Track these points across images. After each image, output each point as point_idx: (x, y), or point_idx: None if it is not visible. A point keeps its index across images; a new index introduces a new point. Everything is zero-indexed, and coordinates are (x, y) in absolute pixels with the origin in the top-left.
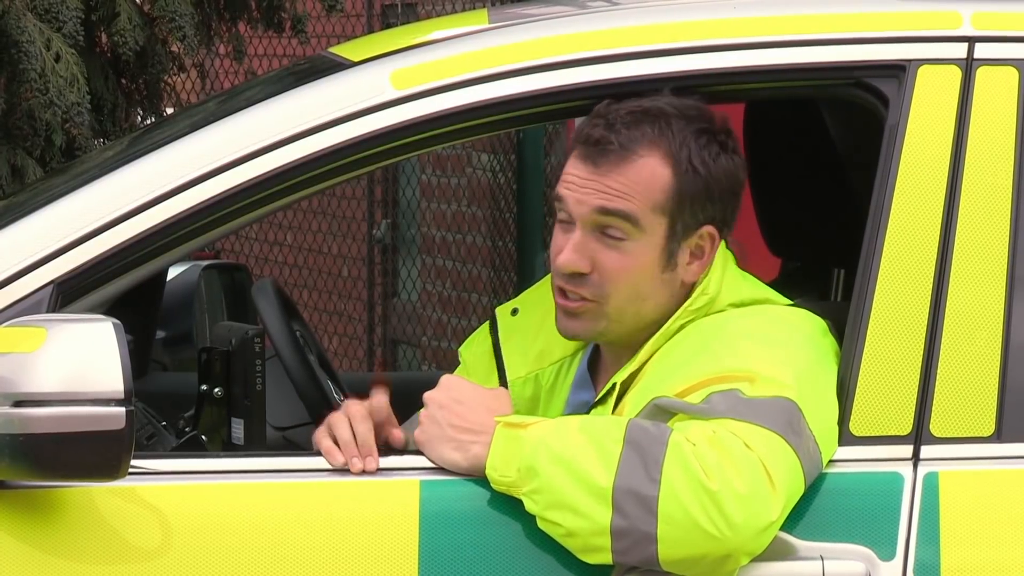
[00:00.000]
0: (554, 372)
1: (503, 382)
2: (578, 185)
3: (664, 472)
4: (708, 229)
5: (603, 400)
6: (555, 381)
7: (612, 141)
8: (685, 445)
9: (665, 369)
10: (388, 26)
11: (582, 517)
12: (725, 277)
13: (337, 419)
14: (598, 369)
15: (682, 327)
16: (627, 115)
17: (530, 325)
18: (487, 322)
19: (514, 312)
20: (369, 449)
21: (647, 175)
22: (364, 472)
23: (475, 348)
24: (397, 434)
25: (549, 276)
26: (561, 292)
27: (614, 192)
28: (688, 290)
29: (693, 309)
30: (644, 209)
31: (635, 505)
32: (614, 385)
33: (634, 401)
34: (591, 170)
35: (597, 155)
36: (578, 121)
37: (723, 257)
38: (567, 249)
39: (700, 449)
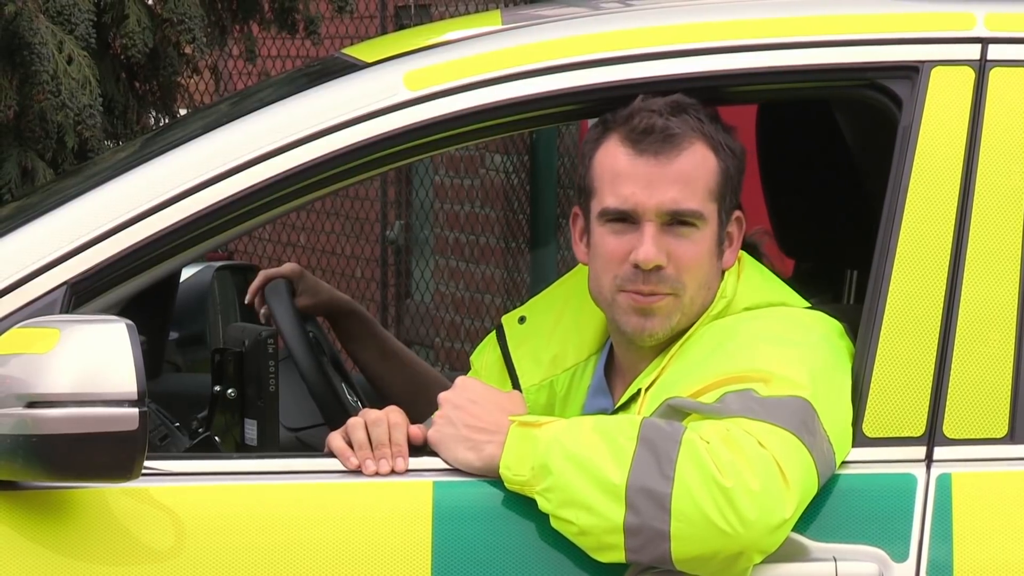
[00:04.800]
0: (568, 378)
1: (517, 390)
2: (645, 183)
3: (677, 470)
4: (738, 214)
5: (626, 406)
6: (570, 387)
7: (672, 127)
8: (699, 443)
9: (680, 370)
10: (401, 27)
11: (595, 515)
12: (741, 278)
13: (353, 423)
14: (612, 375)
15: (701, 330)
16: (666, 106)
17: (541, 331)
18: (493, 331)
19: (521, 320)
20: (384, 452)
21: (700, 159)
22: (393, 473)
23: (485, 357)
24: (415, 430)
25: (558, 283)
26: (632, 293)
27: (683, 181)
28: (721, 279)
29: (714, 314)
30: (705, 197)
31: (648, 503)
32: (638, 391)
33: (650, 402)
34: (653, 161)
35: (659, 144)
36: (591, 122)
37: (739, 259)
38: (647, 245)
39: (714, 447)
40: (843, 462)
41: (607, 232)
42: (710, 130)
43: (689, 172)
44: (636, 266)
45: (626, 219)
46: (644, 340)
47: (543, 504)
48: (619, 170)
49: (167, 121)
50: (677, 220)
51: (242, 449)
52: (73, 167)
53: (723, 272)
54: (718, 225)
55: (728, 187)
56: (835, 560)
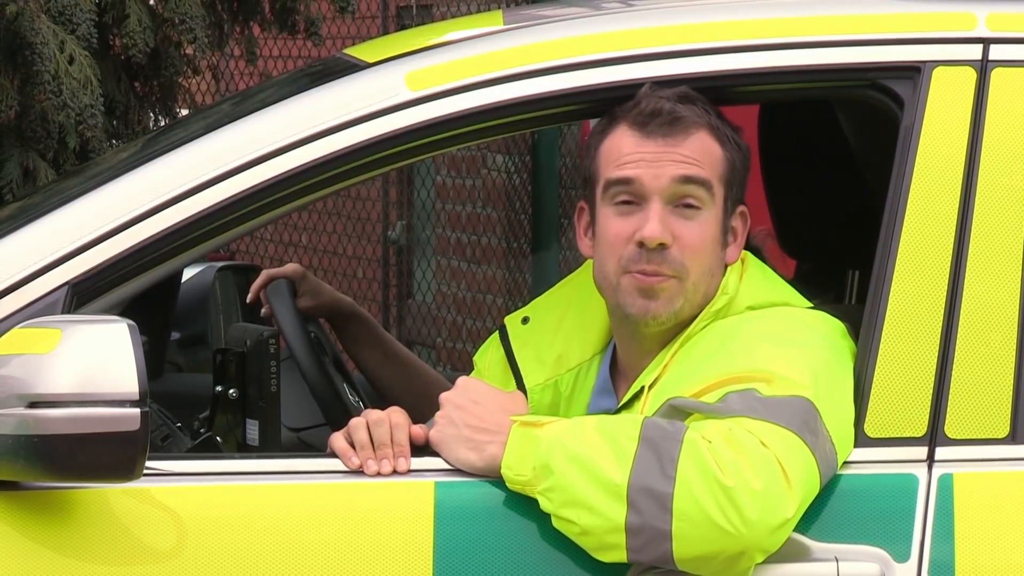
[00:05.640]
0: (573, 378)
1: (521, 390)
2: (651, 160)
3: (679, 469)
4: (742, 208)
5: (629, 404)
6: (574, 387)
7: (679, 111)
8: (700, 442)
9: (683, 370)
10: (403, 27)
11: (597, 515)
12: (744, 277)
13: (355, 423)
14: (616, 374)
15: (704, 328)
16: (674, 94)
17: (545, 331)
18: (496, 332)
19: (524, 320)
20: (385, 452)
21: (706, 146)
22: (395, 473)
23: (488, 357)
24: (417, 430)
25: (561, 283)
26: (637, 273)
27: (691, 160)
28: (724, 274)
29: (714, 311)
30: (712, 178)
31: (650, 502)
32: (642, 388)
33: (652, 402)
34: (660, 143)
35: (667, 126)
36: (593, 122)
37: (742, 258)
38: (652, 222)
39: (716, 446)
40: (845, 462)
41: (612, 214)
42: (716, 122)
43: (695, 155)
44: (641, 244)
45: (631, 201)
46: (648, 324)
47: (545, 504)
48: (625, 151)
49: (168, 121)
50: (683, 203)
51: (244, 449)
52: (75, 167)
53: (726, 266)
54: (723, 212)
55: (733, 178)
56: (837, 560)
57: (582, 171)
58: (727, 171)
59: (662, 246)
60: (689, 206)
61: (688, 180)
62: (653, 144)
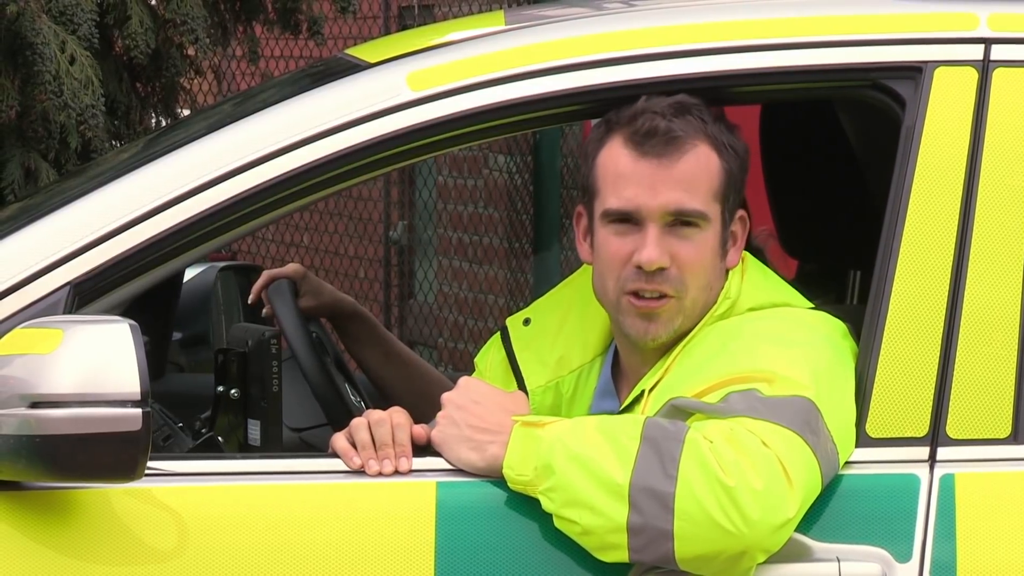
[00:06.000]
0: (574, 380)
1: (523, 391)
2: (648, 184)
3: (681, 469)
4: (741, 213)
5: (630, 408)
6: (576, 389)
7: (675, 130)
8: (702, 442)
9: (684, 371)
10: (405, 28)
11: (598, 515)
12: (744, 279)
13: (357, 423)
14: (618, 377)
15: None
16: (669, 107)
17: (546, 333)
18: (497, 333)
19: (526, 322)
20: (387, 452)
21: (704, 161)
22: (396, 473)
23: (489, 358)
24: (419, 430)
25: (562, 285)
26: (635, 295)
27: (686, 184)
28: (724, 280)
29: (718, 315)
30: (708, 197)
31: (651, 502)
32: (642, 392)
33: (653, 403)
34: (656, 164)
35: (662, 146)
36: (594, 123)
37: (742, 259)
38: (650, 247)
39: (717, 446)
40: (846, 462)
41: (610, 233)
42: (713, 130)
43: (692, 174)
44: (639, 267)
45: (629, 220)
46: (647, 344)
47: (546, 504)
48: (622, 172)
49: (169, 122)
50: (680, 221)
51: (245, 449)
52: (76, 167)
53: (727, 271)
54: (721, 225)
55: (731, 187)
56: (838, 560)
57: (580, 178)
58: (724, 184)
59: (660, 269)
60: (687, 224)
61: (682, 212)
62: (648, 165)
